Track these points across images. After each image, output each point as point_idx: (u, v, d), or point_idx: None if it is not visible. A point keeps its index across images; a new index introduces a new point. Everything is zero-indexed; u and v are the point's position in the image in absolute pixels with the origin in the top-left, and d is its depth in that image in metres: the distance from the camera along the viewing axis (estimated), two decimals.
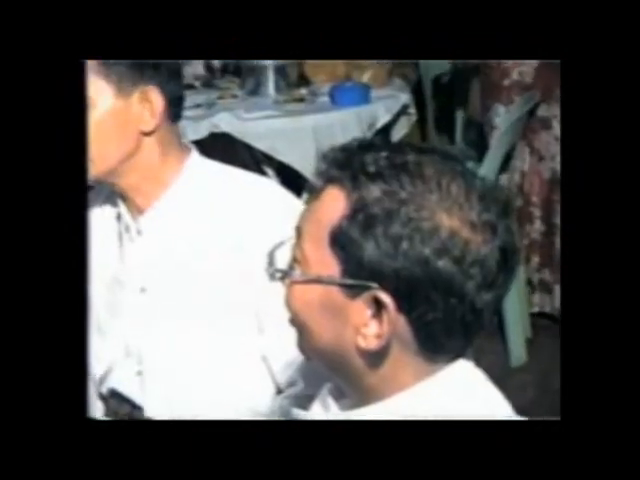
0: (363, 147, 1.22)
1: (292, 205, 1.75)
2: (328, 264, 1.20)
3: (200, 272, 1.78)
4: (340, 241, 1.18)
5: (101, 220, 1.87)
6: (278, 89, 4.09)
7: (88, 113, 1.55)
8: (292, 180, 3.57)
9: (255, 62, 4.15)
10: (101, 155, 1.70)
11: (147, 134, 1.75)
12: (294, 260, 1.24)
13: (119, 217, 1.85)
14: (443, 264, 1.16)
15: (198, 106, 3.83)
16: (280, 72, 4.11)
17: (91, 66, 1.64)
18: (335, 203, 1.19)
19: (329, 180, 1.21)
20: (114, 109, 1.71)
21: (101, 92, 1.70)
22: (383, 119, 3.98)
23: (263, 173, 3.79)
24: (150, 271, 1.81)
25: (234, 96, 4.13)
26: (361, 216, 1.17)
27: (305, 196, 3.70)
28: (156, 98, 1.73)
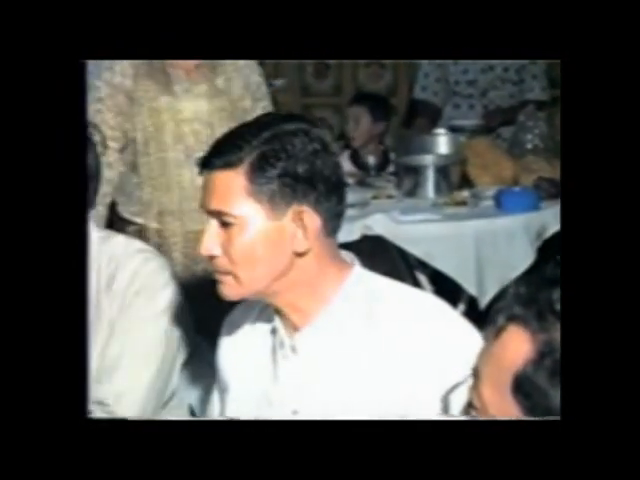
0: (550, 281, 1.15)
1: (464, 335, 1.65)
2: (509, 411, 1.15)
3: (357, 398, 1.66)
4: (524, 388, 1.13)
5: (254, 333, 1.80)
6: (438, 191, 3.86)
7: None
8: (447, 289, 3.32)
9: (415, 161, 3.93)
10: (251, 277, 1.65)
11: (300, 254, 1.65)
12: (470, 406, 1.20)
13: (274, 331, 1.76)
14: None
15: (351, 206, 3.57)
16: (441, 172, 3.87)
17: (243, 187, 1.61)
18: (519, 345, 1.14)
19: (511, 318, 1.15)
20: (266, 231, 1.63)
21: (252, 214, 1.62)
22: (553, 228, 3.65)
23: (415, 280, 3.53)
24: (304, 392, 1.71)
25: (390, 196, 3.96)
26: (549, 361, 1.12)
27: (462, 307, 3.44)
28: (310, 220, 1.64)
